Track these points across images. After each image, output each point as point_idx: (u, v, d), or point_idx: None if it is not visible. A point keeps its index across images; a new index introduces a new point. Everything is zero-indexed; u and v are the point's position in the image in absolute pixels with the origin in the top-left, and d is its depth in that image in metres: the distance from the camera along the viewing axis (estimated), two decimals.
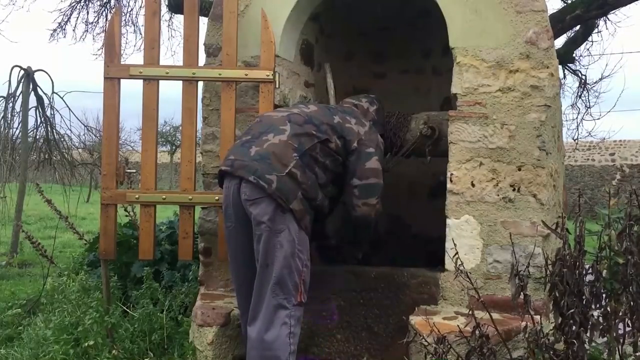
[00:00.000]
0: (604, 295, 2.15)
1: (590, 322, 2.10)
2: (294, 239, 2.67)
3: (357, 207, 2.89)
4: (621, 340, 2.15)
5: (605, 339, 2.16)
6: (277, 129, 2.80)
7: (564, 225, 2.19)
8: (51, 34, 9.29)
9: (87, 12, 9.18)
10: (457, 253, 2.41)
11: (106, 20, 8.93)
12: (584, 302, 2.10)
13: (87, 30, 9.27)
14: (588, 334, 2.12)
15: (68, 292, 3.65)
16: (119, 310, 3.59)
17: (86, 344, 3.25)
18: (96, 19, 9.16)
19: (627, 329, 2.15)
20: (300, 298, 2.70)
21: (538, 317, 2.73)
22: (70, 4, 9.07)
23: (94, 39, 9.93)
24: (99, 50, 9.38)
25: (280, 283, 2.65)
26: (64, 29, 9.24)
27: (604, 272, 2.16)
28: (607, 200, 2.28)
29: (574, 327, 2.08)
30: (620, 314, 2.11)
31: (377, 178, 2.90)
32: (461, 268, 2.35)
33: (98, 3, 9.16)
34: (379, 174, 2.91)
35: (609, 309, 2.12)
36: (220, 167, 2.85)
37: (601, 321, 2.12)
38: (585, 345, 2.11)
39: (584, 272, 2.13)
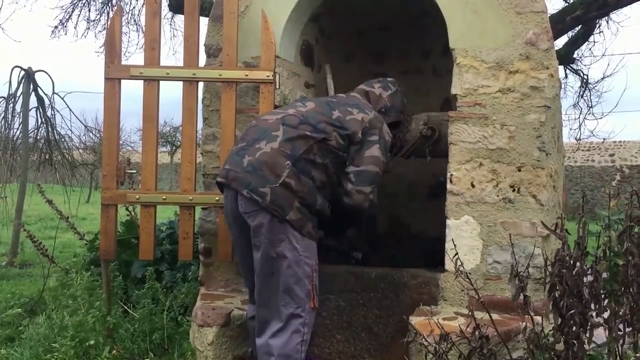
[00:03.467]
0: (603, 296, 2.15)
1: (590, 323, 2.10)
2: (296, 246, 2.62)
3: (350, 193, 2.76)
4: (621, 341, 2.15)
5: (605, 339, 2.16)
6: (270, 135, 2.70)
7: (563, 226, 2.19)
8: (52, 31, 9.30)
9: (89, 10, 9.20)
10: (457, 254, 2.41)
11: (108, 18, 8.94)
12: (583, 303, 2.10)
13: (88, 28, 9.28)
14: (588, 335, 2.13)
15: (70, 291, 3.66)
16: (120, 310, 3.59)
17: (87, 344, 3.26)
18: (98, 16, 9.18)
19: (628, 329, 2.15)
20: (313, 303, 2.67)
21: (538, 317, 2.74)
22: (72, 1, 9.07)
23: (95, 36, 9.92)
24: (100, 47, 9.40)
25: (288, 292, 2.62)
26: (65, 26, 9.25)
27: (604, 273, 2.16)
28: (607, 201, 2.28)
29: (573, 328, 2.08)
30: (621, 314, 2.11)
31: (376, 166, 2.79)
32: (461, 269, 2.35)
33: (100, 1, 9.17)
34: (378, 162, 2.79)
35: (608, 309, 2.12)
36: (217, 178, 2.82)
37: (601, 322, 2.12)
38: (585, 346, 2.12)
39: (583, 272, 2.13)
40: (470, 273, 2.99)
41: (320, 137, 2.71)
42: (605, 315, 2.13)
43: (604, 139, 10.70)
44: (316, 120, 2.76)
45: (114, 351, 3.33)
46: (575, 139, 9.98)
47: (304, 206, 2.63)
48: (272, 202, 2.56)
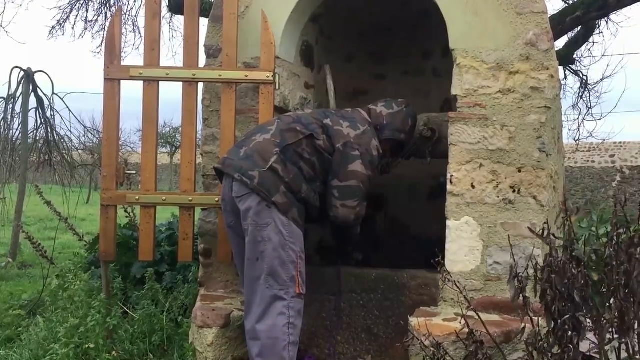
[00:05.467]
0: (595, 300, 2.14)
1: (583, 326, 2.09)
2: (282, 231, 2.73)
3: (334, 207, 2.90)
4: (615, 344, 2.14)
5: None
6: (265, 129, 2.92)
7: (549, 230, 2.18)
8: (50, 31, 9.30)
9: (87, 11, 9.19)
10: (443, 263, 2.41)
11: (105, 18, 8.94)
12: (575, 307, 2.09)
13: (86, 29, 9.27)
14: (588, 336, 2.12)
15: (70, 293, 3.65)
16: (120, 311, 3.58)
17: (87, 346, 3.25)
18: (95, 17, 9.17)
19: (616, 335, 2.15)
20: (299, 289, 2.74)
21: (537, 319, 2.74)
22: (70, 2, 9.07)
23: (92, 37, 9.91)
24: (98, 47, 9.41)
25: (272, 275, 2.71)
26: (63, 27, 9.25)
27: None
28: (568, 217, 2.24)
29: (569, 333, 2.07)
30: (608, 319, 2.10)
31: (358, 181, 2.89)
32: (449, 277, 2.35)
33: (98, 1, 9.17)
34: (359, 177, 2.89)
35: (595, 313, 2.12)
36: (215, 165, 3.03)
37: (592, 325, 2.11)
38: (580, 349, 2.11)
39: (573, 277, 2.11)
40: (470, 274, 3.00)
41: (308, 133, 2.87)
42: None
43: (604, 140, 10.70)
44: (309, 121, 2.94)
45: (114, 352, 3.32)
46: (574, 140, 9.97)
47: (290, 192, 2.77)
48: (259, 184, 2.72)
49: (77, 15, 9.15)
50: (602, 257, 2.12)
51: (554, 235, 2.17)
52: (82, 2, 9.07)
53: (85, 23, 9.20)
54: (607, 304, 2.10)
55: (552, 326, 2.09)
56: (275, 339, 2.68)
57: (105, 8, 9.05)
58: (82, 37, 9.49)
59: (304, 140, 2.85)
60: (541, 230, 2.18)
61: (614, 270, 2.05)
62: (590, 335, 2.13)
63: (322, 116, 3.00)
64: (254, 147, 2.83)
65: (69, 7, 9.07)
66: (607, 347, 2.08)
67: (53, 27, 9.25)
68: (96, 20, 9.15)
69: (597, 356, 2.21)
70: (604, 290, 2.11)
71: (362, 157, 2.90)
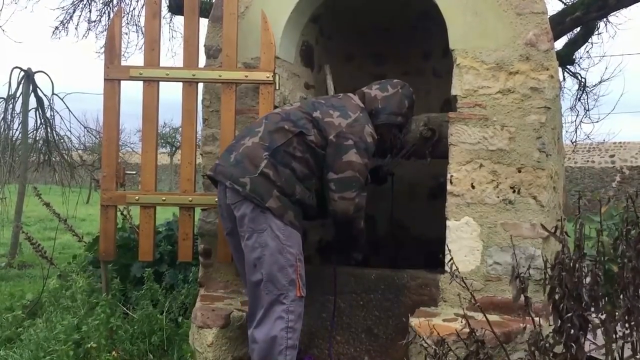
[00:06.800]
0: (604, 299, 2.15)
1: (590, 325, 2.10)
2: (279, 235, 2.71)
3: (333, 201, 2.82)
4: (620, 343, 2.14)
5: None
6: (253, 131, 2.87)
7: (563, 228, 2.19)
8: (53, 32, 9.31)
9: (90, 11, 9.21)
10: (452, 259, 2.41)
11: (109, 19, 8.94)
12: (583, 305, 2.09)
13: (89, 29, 9.28)
14: (588, 337, 2.12)
15: (71, 293, 3.65)
16: (120, 311, 3.58)
17: (88, 345, 3.25)
18: (99, 17, 9.18)
19: (626, 331, 2.15)
20: (299, 292, 2.73)
21: (538, 319, 2.74)
22: (73, 2, 9.08)
23: (96, 37, 9.94)
24: (101, 48, 9.41)
25: (271, 280, 2.70)
26: (66, 27, 9.26)
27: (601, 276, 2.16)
28: (599, 205, 2.27)
29: (572, 331, 2.07)
30: (618, 316, 2.10)
31: (354, 171, 2.81)
32: (456, 273, 2.34)
33: (101, 1, 9.17)
34: (355, 167, 2.81)
35: (604, 312, 2.12)
36: (206, 172, 3.00)
37: (599, 324, 2.11)
38: (585, 348, 2.11)
39: (583, 275, 2.12)
40: (470, 274, 3.00)
41: (297, 130, 2.81)
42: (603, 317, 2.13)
43: (603, 140, 10.71)
44: (297, 116, 2.87)
45: (114, 352, 3.32)
46: (571, 141, 9.97)
47: (284, 195, 2.74)
48: (252, 190, 2.70)
49: (80, 16, 9.18)
50: (616, 252, 2.12)
51: (566, 232, 2.18)
52: (85, 2, 9.08)
53: (89, 23, 9.23)
54: (614, 302, 2.10)
55: (559, 324, 2.09)
56: (272, 343, 2.68)
57: (109, 8, 9.07)
58: (86, 37, 9.52)
59: (294, 138, 2.79)
60: (553, 228, 2.19)
61: (624, 267, 2.06)
62: (590, 336, 2.13)
63: (311, 109, 2.91)
64: (243, 151, 2.78)
65: (72, 8, 9.08)
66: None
67: (56, 28, 9.27)
68: (99, 21, 9.16)
69: (597, 356, 2.22)
70: (613, 287, 2.12)
71: (356, 146, 2.82)
